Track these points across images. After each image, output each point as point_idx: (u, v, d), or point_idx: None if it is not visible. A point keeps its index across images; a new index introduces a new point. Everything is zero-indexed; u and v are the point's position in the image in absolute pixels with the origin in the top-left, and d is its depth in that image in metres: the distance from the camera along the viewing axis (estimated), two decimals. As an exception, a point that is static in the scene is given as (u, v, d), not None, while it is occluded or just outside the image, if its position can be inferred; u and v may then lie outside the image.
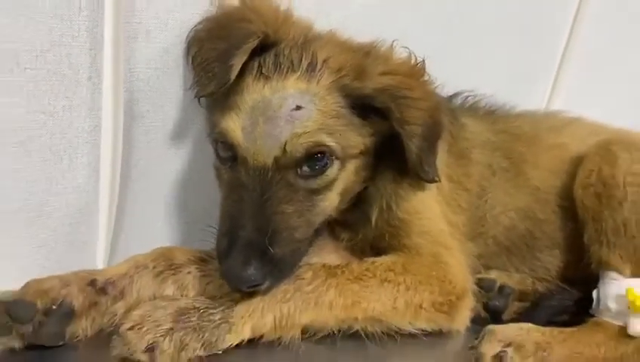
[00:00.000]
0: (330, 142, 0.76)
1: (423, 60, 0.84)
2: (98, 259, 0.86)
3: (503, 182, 1.01)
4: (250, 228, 0.72)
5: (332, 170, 0.78)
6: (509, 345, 0.84)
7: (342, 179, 0.80)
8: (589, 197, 0.97)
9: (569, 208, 1.01)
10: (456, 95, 1.09)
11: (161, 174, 0.88)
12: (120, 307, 0.75)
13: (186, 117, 0.87)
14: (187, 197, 0.92)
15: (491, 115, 1.10)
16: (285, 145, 0.73)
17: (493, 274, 1.02)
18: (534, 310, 1.01)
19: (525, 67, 1.44)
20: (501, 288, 1.00)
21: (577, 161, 1.03)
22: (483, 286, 0.98)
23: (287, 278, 0.76)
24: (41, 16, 0.70)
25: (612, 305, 0.92)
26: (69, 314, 0.70)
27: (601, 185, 0.96)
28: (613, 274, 0.93)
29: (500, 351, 0.83)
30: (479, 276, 0.98)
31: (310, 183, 0.77)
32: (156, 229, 0.91)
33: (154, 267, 0.78)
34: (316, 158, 0.76)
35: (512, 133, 1.06)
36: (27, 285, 0.70)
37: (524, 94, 1.45)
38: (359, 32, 0.88)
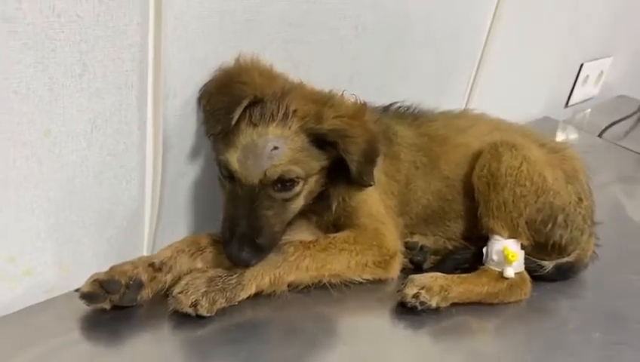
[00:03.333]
0: (296, 169, 1.09)
1: (364, 103, 1.16)
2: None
3: (423, 174, 1.34)
4: (243, 226, 1.07)
5: (298, 187, 1.11)
6: (422, 288, 1.16)
7: (306, 190, 1.14)
8: (481, 184, 1.28)
9: (469, 191, 1.32)
10: (390, 105, 1.41)
11: (186, 187, 1.22)
12: (169, 279, 1.09)
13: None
14: (206, 197, 1.26)
15: (416, 120, 1.40)
16: (266, 172, 1.07)
17: (416, 238, 1.33)
18: (444, 262, 1.31)
19: (448, 69, 1.78)
20: (422, 247, 1.32)
21: (476, 156, 1.32)
22: (409, 246, 1.31)
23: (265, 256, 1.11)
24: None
25: (495, 258, 1.25)
26: (139, 286, 1.05)
27: (490, 176, 1.27)
28: (497, 237, 1.26)
29: (416, 292, 1.16)
30: (406, 240, 1.32)
31: (283, 195, 1.11)
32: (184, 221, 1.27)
33: (188, 250, 1.13)
34: (286, 180, 1.09)
35: (430, 135, 1.37)
36: (112, 269, 1.04)
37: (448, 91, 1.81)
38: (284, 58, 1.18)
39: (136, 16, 0.96)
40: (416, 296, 1.17)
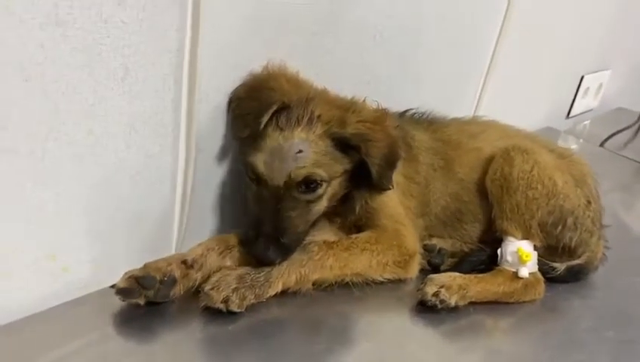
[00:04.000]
0: (320, 172, 1.14)
1: (385, 109, 1.22)
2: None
3: (440, 176, 1.39)
4: (268, 226, 1.12)
5: (321, 189, 1.16)
6: (442, 286, 1.20)
7: (329, 192, 1.19)
8: (495, 187, 1.34)
9: (483, 194, 1.37)
10: (406, 111, 1.47)
11: (215, 188, 1.26)
12: (199, 276, 1.13)
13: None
14: (233, 198, 1.30)
15: (431, 125, 1.46)
16: (291, 174, 1.12)
17: (434, 241, 1.38)
18: (461, 264, 1.35)
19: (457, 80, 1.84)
20: (439, 250, 1.36)
21: (489, 161, 1.38)
22: (427, 249, 1.36)
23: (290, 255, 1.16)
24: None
25: (509, 258, 1.29)
26: (173, 282, 1.08)
27: (503, 179, 1.33)
28: (510, 238, 1.31)
29: (436, 291, 1.20)
30: (425, 242, 1.37)
31: (307, 197, 1.16)
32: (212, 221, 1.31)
33: (217, 248, 1.17)
34: (310, 182, 1.14)
35: (444, 140, 1.43)
36: (146, 265, 1.07)
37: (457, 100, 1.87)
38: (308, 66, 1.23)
39: (176, 23, 1.01)
40: (436, 294, 1.21)
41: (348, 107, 1.19)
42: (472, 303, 1.26)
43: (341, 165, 1.19)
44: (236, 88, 1.18)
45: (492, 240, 1.37)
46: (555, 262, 1.38)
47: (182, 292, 1.12)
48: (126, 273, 1.07)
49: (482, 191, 1.38)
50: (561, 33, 2.22)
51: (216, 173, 1.24)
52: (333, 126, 1.15)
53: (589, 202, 1.40)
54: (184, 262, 1.12)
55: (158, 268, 1.08)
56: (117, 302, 1.09)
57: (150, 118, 1.06)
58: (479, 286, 1.27)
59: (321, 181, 1.16)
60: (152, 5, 0.96)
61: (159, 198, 1.16)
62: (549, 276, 1.37)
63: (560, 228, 1.36)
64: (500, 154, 1.38)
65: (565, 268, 1.39)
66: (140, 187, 1.11)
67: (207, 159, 1.20)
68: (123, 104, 1.00)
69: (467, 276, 1.28)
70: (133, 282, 1.05)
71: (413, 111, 1.49)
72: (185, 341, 1.08)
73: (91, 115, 0.97)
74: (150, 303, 1.09)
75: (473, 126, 1.52)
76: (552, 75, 2.33)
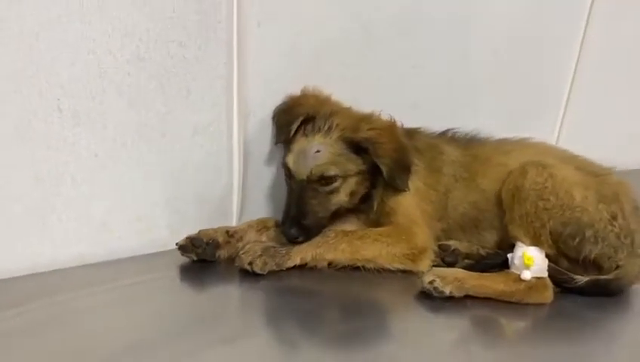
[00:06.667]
0: (334, 168, 1.45)
1: (395, 121, 1.49)
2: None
3: (462, 186, 1.57)
4: (294, 210, 1.46)
5: (337, 183, 1.46)
6: (438, 276, 1.37)
7: (345, 188, 1.48)
8: (507, 196, 1.47)
9: (502, 204, 1.50)
10: (447, 130, 1.67)
11: (264, 184, 1.64)
12: (240, 245, 1.48)
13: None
14: (280, 192, 1.65)
15: (469, 143, 1.65)
16: (311, 170, 1.44)
17: (450, 242, 1.55)
18: (475, 265, 1.49)
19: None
20: (453, 250, 1.52)
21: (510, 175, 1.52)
22: (442, 248, 1.53)
23: (314, 236, 1.45)
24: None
25: (516, 262, 1.40)
26: (216, 245, 1.46)
27: (515, 189, 1.45)
28: (519, 243, 1.43)
29: (432, 279, 1.36)
30: (440, 242, 1.54)
31: (325, 189, 1.46)
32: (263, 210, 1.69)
33: (257, 226, 1.54)
34: (327, 177, 1.45)
35: (475, 155, 1.60)
36: (200, 231, 1.47)
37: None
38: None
39: (223, 58, 1.44)
40: (431, 282, 1.37)
41: (363, 118, 1.49)
42: (472, 297, 1.40)
43: (355, 165, 1.48)
44: (277, 106, 1.56)
45: (509, 246, 1.49)
46: (579, 274, 1.44)
47: (226, 256, 1.50)
48: (187, 236, 1.49)
49: (501, 201, 1.53)
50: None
51: (267, 172, 1.63)
52: (347, 132, 1.46)
53: (613, 218, 1.44)
54: (227, 232, 1.51)
55: (207, 234, 1.48)
56: (184, 259, 1.50)
57: (209, 125, 1.49)
58: (478, 281, 1.40)
59: (335, 176, 1.46)
60: (205, 46, 1.40)
61: (220, 187, 1.58)
62: (567, 286, 1.44)
63: (578, 239, 1.43)
64: (517, 168, 1.51)
65: (589, 281, 1.44)
66: (203, 177, 1.54)
67: (258, 160, 1.60)
68: (187, 114, 1.45)
69: (469, 272, 1.43)
70: (188, 241, 1.47)
71: (455, 130, 1.69)
72: (225, 291, 1.47)
73: (163, 121, 1.43)
74: (202, 261, 1.48)
75: (511, 145, 1.66)
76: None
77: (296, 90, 1.54)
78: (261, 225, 1.55)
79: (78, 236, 1.43)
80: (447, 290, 1.38)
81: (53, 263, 1.40)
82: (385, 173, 1.45)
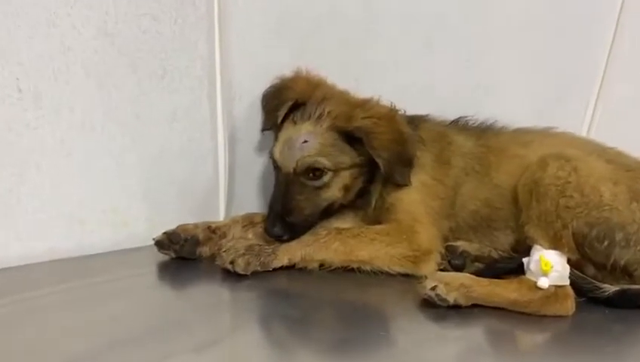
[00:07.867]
0: (323, 161, 1.29)
1: (397, 109, 1.32)
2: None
3: (473, 180, 1.40)
4: (278, 206, 1.31)
5: (327, 177, 1.31)
6: (441, 282, 1.20)
7: (337, 182, 1.32)
8: (524, 192, 1.30)
9: (517, 201, 1.33)
10: (459, 118, 1.50)
11: (254, 175, 1.49)
12: (222, 242, 1.34)
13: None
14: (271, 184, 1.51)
15: (483, 132, 1.47)
16: (298, 161, 1.29)
17: (459, 243, 1.38)
18: (486, 270, 1.32)
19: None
20: (462, 252, 1.36)
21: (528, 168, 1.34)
22: (449, 250, 1.37)
23: (299, 235, 1.30)
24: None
25: (532, 267, 1.23)
26: (196, 242, 1.33)
27: (533, 184, 1.28)
28: (537, 246, 1.26)
29: (434, 285, 1.19)
30: (448, 243, 1.38)
31: (314, 183, 1.31)
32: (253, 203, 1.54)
33: (242, 222, 1.40)
34: (315, 169, 1.30)
35: (489, 146, 1.43)
36: (179, 226, 1.34)
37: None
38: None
39: (203, 35, 1.29)
40: (433, 288, 1.21)
41: (358, 104, 1.33)
42: (481, 306, 1.24)
43: (349, 157, 1.32)
44: (266, 89, 1.41)
45: (526, 249, 1.32)
46: (607, 283, 1.27)
47: (208, 254, 1.37)
48: (164, 231, 1.35)
49: (517, 198, 1.36)
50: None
51: (256, 161, 1.49)
52: (339, 120, 1.30)
53: (650, 219, 1.25)
54: (209, 228, 1.37)
55: (186, 229, 1.35)
56: (164, 257, 1.37)
57: (189, 109, 1.36)
58: (488, 288, 1.24)
59: (325, 169, 1.31)
60: (182, 20, 1.26)
61: (204, 177, 1.45)
62: (591, 296, 1.27)
63: (606, 243, 1.25)
64: (536, 160, 1.33)
65: (617, 291, 1.26)
66: (185, 164, 1.41)
67: (246, 148, 1.46)
68: (164, 96, 1.32)
69: (478, 278, 1.26)
70: (165, 237, 1.34)
71: (467, 118, 1.51)
72: (205, 290, 1.32)
73: (137, 103, 1.29)
74: (183, 258, 1.35)
75: (531, 135, 1.48)
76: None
77: (287, 72, 1.38)
78: (247, 221, 1.41)
79: (47, 229, 1.32)
80: (451, 298, 1.22)
81: (20, 258, 1.29)
82: (382, 167, 1.29)
